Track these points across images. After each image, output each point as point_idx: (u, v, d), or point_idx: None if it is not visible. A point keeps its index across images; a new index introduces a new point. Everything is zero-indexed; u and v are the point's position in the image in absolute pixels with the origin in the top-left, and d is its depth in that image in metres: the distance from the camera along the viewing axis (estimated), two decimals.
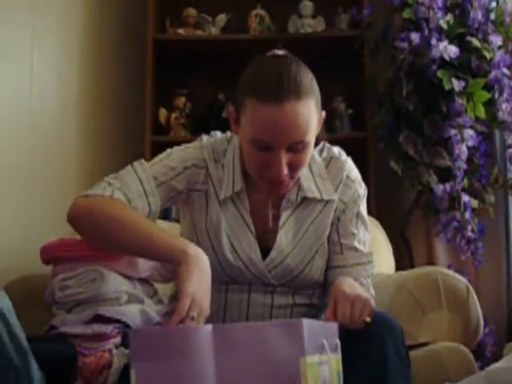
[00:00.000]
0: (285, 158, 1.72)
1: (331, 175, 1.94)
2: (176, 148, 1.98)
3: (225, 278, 1.89)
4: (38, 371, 1.49)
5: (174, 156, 1.95)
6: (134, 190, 1.85)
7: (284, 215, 1.90)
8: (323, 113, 1.83)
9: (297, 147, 1.72)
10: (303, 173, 1.88)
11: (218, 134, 2.01)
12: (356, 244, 1.93)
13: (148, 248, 1.71)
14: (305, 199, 1.91)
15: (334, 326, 1.50)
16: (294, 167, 1.75)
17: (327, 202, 1.92)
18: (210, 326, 1.32)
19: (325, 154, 1.97)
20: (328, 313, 1.64)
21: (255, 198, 1.91)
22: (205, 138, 1.99)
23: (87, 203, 1.81)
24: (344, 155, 1.98)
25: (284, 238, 1.90)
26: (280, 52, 1.84)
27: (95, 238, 1.82)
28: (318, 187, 1.92)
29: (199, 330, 1.32)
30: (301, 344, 1.30)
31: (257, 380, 1.29)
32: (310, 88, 1.74)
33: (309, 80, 1.76)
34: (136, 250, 1.74)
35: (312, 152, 1.81)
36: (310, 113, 1.73)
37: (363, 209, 1.97)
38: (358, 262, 1.91)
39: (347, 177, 1.94)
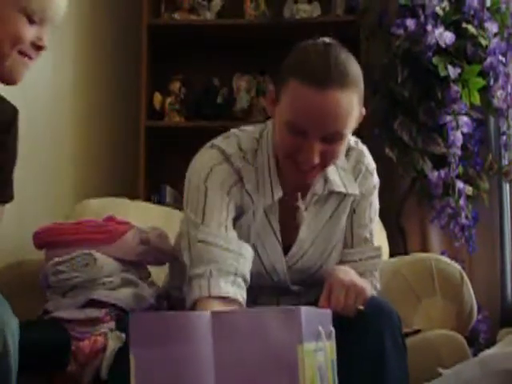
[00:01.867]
0: (318, 147, 1.66)
1: (350, 166, 1.90)
2: (199, 177, 1.80)
3: None
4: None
5: (211, 186, 1.79)
6: (228, 266, 1.71)
7: (308, 209, 1.86)
8: (363, 110, 1.76)
9: (332, 138, 1.66)
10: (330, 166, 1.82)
11: (234, 133, 1.89)
12: (367, 235, 1.91)
13: None
14: (330, 193, 1.87)
15: (328, 313, 1.50)
16: (325, 157, 1.69)
17: (346, 194, 1.88)
18: (208, 312, 1.32)
19: (350, 154, 1.92)
20: (322, 299, 1.64)
21: (283, 198, 1.84)
22: (221, 143, 1.85)
23: None
24: (360, 144, 1.94)
25: (305, 233, 1.87)
26: (328, 39, 1.77)
27: None
28: (342, 180, 1.87)
29: (198, 316, 1.32)
30: (299, 331, 1.30)
31: (255, 366, 1.30)
32: (356, 81, 1.68)
33: (357, 72, 1.70)
34: None
35: (345, 147, 1.76)
36: (352, 105, 1.66)
37: (376, 199, 1.95)
38: (367, 256, 1.89)
39: (366, 168, 1.91)
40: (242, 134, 1.87)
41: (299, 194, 1.85)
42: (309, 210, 1.86)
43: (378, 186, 1.95)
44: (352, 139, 1.92)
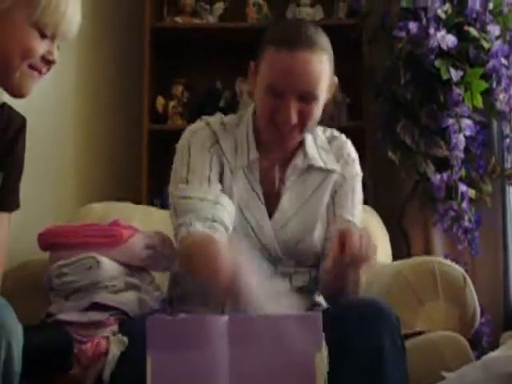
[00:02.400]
0: (294, 106, 1.83)
1: (333, 151, 2.04)
2: (184, 141, 2.02)
3: None
4: None
5: (194, 149, 1.99)
6: (206, 213, 1.87)
7: (289, 180, 1.98)
8: (335, 78, 1.95)
9: (307, 97, 1.84)
10: (309, 144, 2.00)
11: (221, 114, 2.11)
12: (349, 217, 2.00)
13: None
14: (310, 167, 1.99)
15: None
16: (302, 118, 1.86)
17: (328, 172, 2.01)
18: (226, 317, 1.32)
19: (327, 133, 2.08)
20: (335, 248, 1.67)
21: (264, 166, 1.98)
22: (207, 117, 2.07)
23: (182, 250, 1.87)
24: (344, 137, 2.10)
25: (288, 202, 1.98)
26: None
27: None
28: (321, 158, 2.01)
29: (215, 320, 1.33)
30: (319, 338, 1.30)
31: (270, 371, 1.29)
32: (325, 46, 1.87)
33: (325, 40, 1.89)
34: None
35: (320, 111, 1.91)
36: (322, 67, 1.86)
37: (359, 188, 2.06)
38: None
39: (348, 155, 2.06)
40: (228, 116, 2.10)
41: (277, 165, 2.00)
42: (291, 182, 1.99)
43: (360, 176, 2.08)
44: (336, 132, 2.11)
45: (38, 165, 2.67)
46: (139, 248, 1.95)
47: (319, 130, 2.07)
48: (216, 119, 2.05)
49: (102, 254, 1.90)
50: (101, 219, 2.22)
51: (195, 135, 2.01)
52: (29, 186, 2.58)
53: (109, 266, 1.88)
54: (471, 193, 3.04)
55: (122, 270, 1.92)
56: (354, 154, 2.08)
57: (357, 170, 2.07)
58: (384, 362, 1.61)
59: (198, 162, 1.96)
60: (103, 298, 1.83)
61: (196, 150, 1.98)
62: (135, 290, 1.91)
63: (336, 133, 2.10)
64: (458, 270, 2.13)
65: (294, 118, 1.84)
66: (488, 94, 3.02)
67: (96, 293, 1.84)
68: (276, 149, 1.96)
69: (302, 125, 1.87)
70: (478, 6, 3.05)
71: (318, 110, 1.89)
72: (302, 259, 1.99)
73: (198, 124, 2.05)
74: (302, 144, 1.99)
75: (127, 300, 1.86)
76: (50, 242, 1.99)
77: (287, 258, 1.97)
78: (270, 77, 1.85)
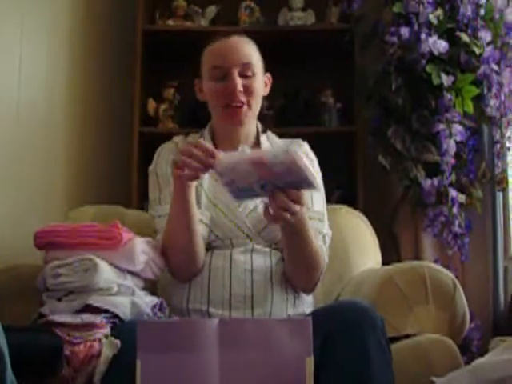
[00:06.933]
0: (238, 80, 2.03)
1: (286, 145, 2.12)
2: (152, 164, 2.22)
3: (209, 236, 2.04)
4: (11, 376, 1.47)
5: (158, 169, 2.17)
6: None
7: None
8: (268, 75, 2.16)
9: (246, 72, 2.05)
10: (265, 146, 2.14)
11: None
12: (309, 204, 2.06)
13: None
14: None
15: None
16: (246, 92, 2.04)
17: None
18: (216, 320, 1.32)
19: (288, 141, 2.22)
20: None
21: None
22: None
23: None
24: (302, 141, 2.23)
25: None
26: None
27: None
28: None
29: (205, 324, 1.33)
30: (309, 343, 1.30)
31: (260, 376, 1.29)
32: (254, 44, 2.12)
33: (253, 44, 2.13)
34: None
35: (261, 89, 2.11)
36: (253, 47, 2.11)
37: (319, 182, 2.11)
38: (308, 216, 1.98)
39: (304, 153, 2.07)
40: (191, 135, 2.28)
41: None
42: None
43: (319, 174, 2.15)
44: (298, 139, 2.23)
45: (29, 168, 2.67)
46: (137, 252, 1.95)
47: (276, 138, 2.23)
48: (181, 136, 2.26)
49: (100, 255, 1.89)
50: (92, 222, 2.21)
51: (160, 154, 2.21)
52: (19, 189, 2.58)
53: (105, 268, 1.87)
54: (461, 198, 3.04)
55: (117, 274, 1.91)
56: (312, 155, 2.20)
57: (315, 168, 2.15)
58: (369, 362, 1.61)
59: (164, 180, 2.11)
60: (96, 300, 1.82)
61: (161, 169, 2.15)
62: (129, 294, 1.90)
63: (296, 139, 2.22)
64: (447, 275, 2.13)
65: (240, 86, 2.02)
66: (479, 99, 3.03)
67: (90, 295, 1.83)
68: (233, 132, 2.11)
69: (248, 100, 2.05)
70: (469, 12, 3.06)
71: (258, 87, 2.08)
72: (274, 241, 2.04)
73: (164, 143, 2.25)
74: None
75: (120, 303, 1.85)
76: (48, 240, 1.97)
77: (261, 239, 2.04)
78: (210, 62, 2.08)
